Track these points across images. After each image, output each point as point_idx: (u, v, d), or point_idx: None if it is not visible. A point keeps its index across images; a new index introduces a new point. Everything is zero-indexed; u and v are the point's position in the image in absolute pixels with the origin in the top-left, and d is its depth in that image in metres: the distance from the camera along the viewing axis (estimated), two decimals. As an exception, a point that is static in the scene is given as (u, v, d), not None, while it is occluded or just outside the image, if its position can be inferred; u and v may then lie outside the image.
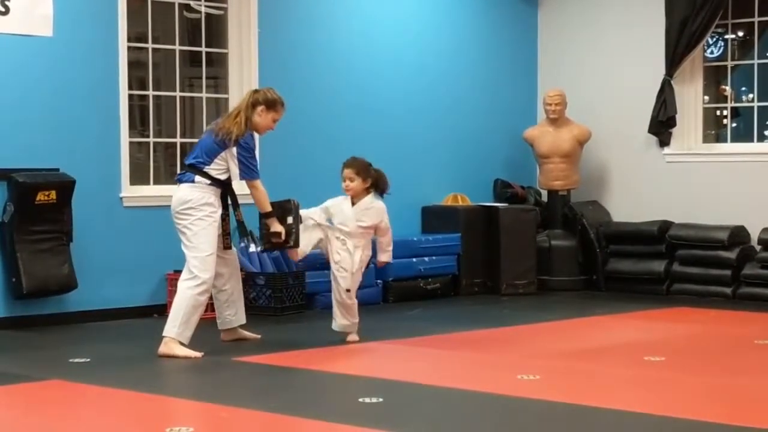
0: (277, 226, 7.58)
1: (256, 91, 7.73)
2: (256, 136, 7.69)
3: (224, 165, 7.44)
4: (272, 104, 7.60)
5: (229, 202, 7.63)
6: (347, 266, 7.77)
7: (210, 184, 7.44)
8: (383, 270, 9.85)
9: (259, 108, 7.55)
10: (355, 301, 7.86)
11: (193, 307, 7.34)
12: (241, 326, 7.91)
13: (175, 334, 7.28)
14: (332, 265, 7.82)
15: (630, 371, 6.81)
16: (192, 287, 7.35)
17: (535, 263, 10.74)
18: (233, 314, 7.82)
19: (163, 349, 7.28)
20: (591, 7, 11.48)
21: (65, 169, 8.59)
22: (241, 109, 7.54)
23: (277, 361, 7.12)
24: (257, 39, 9.67)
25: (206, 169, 7.46)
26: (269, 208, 7.59)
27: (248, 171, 7.48)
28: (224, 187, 7.53)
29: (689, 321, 9.09)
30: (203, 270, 7.35)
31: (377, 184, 7.89)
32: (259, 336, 7.93)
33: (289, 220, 7.62)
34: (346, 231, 7.76)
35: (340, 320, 7.86)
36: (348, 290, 7.77)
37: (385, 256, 7.99)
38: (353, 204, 7.81)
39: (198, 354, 7.25)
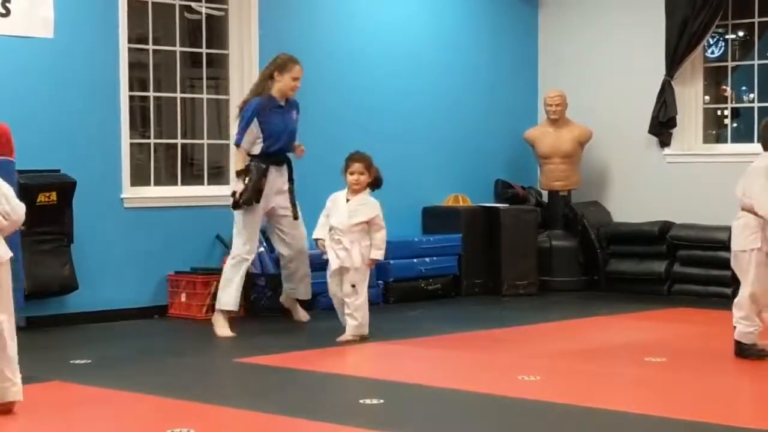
0: (233, 186, 8.33)
1: (267, 66, 8.39)
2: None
3: (250, 137, 8.24)
4: (283, 65, 8.25)
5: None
6: (349, 264, 7.79)
7: (251, 161, 8.24)
8: (384, 271, 9.86)
9: (275, 74, 8.22)
10: (365, 299, 7.89)
11: (226, 278, 8.20)
12: (301, 302, 8.69)
13: (221, 303, 8.20)
14: (332, 269, 7.86)
15: (631, 372, 6.82)
16: (229, 259, 8.29)
17: (535, 264, 10.74)
18: (291, 288, 8.62)
19: (213, 317, 8.31)
20: (591, 8, 11.48)
21: (66, 170, 8.59)
22: (257, 83, 8.39)
23: (277, 362, 7.12)
24: (258, 40, 9.67)
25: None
26: (239, 168, 8.29)
27: (237, 135, 8.33)
28: (269, 161, 8.26)
29: (690, 322, 9.09)
30: (237, 244, 8.23)
31: (376, 180, 7.94)
32: (307, 318, 8.54)
33: (246, 180, 8.20)
34: (341, 229, 7.79)
35: (351, 321, 7.86)
36: (353, 285, 7.79)
37: (378, 254, 7.97)
38: (348, 199, 7.87)
39: (231, 334, 8.07)
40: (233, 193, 8.26)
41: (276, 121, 8.31)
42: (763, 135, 7.02)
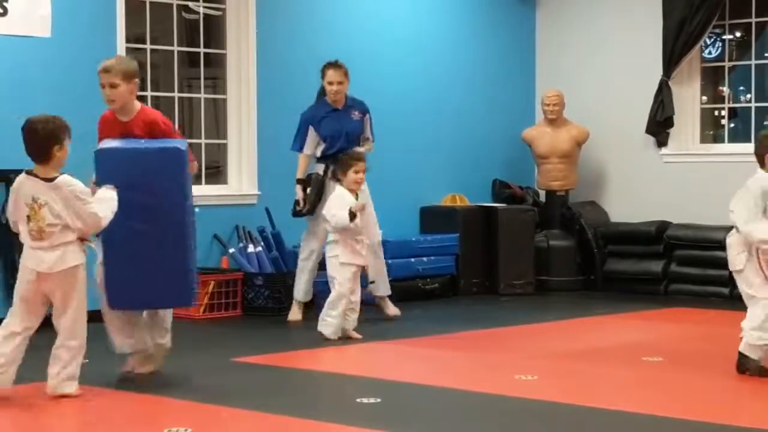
0: (297, 194, 8.66)
1: None
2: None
3: (311, 144, 8.71)
4: (321, 73, 8.75)
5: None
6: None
7: (317, 162, 8.72)
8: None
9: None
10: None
11: (298, 270, 8.76)
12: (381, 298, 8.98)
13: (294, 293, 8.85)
14: (349, 270, 7.89)
15: (628, 372, 6.82)
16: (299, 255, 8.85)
17: (533, 263, 10.75)
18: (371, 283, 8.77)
19: None
20: (589, 8, 11.50)
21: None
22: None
23: (275, 362, 7.13)
24: (255, 39, 9.67)
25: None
26: (297, 177, 8.70)
27: (293, 143, 8.80)
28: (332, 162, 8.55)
29: (687, 321, 9.11)
30: (304, 239, 8.77)
31: None
32: (397, 312, 8.95)
33: (308, 190, 8.61)
34: (362, 227, 7.91)
35: (354, 315, 7.99)
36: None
37: None
38: (357, 198, 7.99)
39: (297, 318, 8.71)
40: (296, 202, 8.72)
41: (330, 125, 8.72)
42: (757, 150, 6.91)
